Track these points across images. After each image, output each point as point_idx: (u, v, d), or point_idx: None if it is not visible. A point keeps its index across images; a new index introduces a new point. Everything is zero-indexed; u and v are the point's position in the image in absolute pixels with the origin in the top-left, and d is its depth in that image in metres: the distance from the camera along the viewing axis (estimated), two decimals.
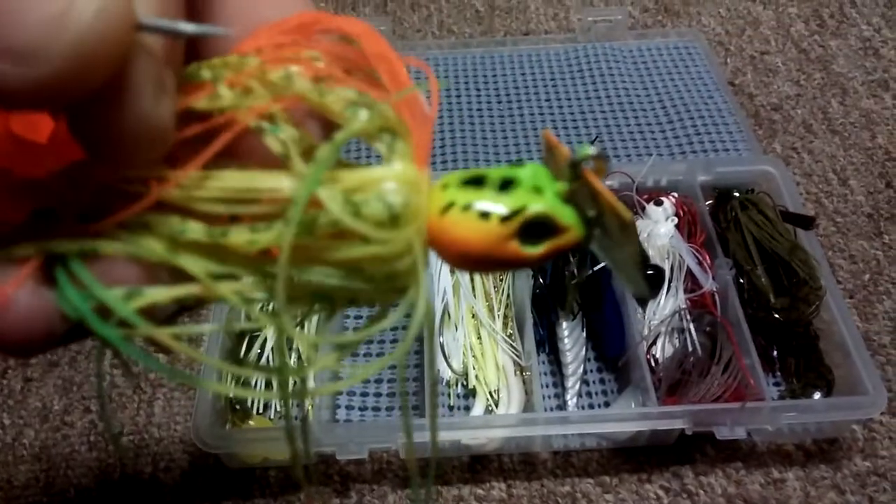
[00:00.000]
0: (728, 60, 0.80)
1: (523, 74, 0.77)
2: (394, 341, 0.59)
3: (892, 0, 0.86)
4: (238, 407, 0.51)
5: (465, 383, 0.56)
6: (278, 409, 0.53)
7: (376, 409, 0.55)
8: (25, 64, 0.13)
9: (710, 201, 0.64)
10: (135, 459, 0.53)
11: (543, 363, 0.58)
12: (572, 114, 0.73)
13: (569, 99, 0.74)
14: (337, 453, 0.50)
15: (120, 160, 0.16)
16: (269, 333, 0.55)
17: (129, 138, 0.16)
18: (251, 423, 0.52)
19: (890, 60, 0.80)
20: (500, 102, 0.74)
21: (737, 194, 0.63)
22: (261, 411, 0.52)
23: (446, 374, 0.56)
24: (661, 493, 0.52)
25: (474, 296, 0.57)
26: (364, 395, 0.56)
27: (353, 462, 0.53)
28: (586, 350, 0.57)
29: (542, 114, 0.73)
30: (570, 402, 0.55)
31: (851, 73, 0.78)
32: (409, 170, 0.18)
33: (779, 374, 0.57)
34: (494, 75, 0.77)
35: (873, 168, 0.70)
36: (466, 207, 0.18)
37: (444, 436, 0.50)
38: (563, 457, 0.53)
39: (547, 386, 0.57)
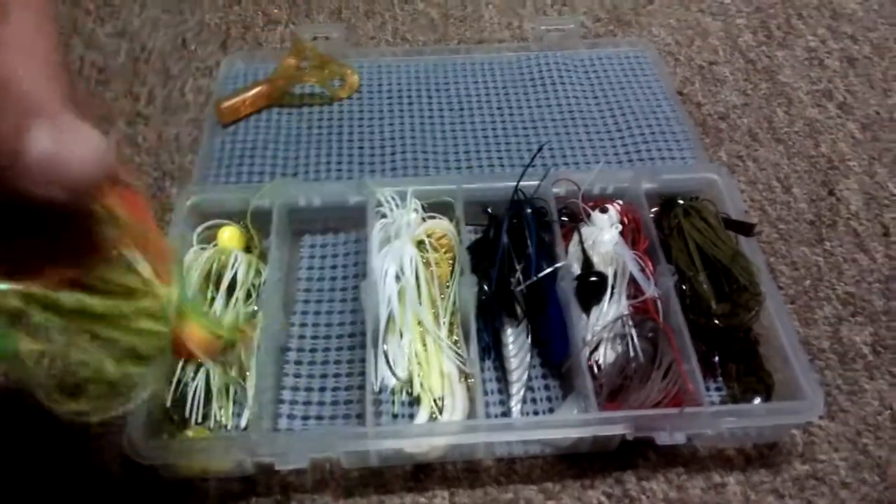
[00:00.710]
0: (677, 70, 0.82)
1: (475, 83, 0.77)
2: (339, 349, 0.58)
3: (837, 12, 0.88)
4: (175, 418, 0.51)
5: (409, 391, 0.56)
6: (217, 418, 0.52)
7: (319, 417, 0.55)
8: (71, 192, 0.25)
9: (655, 208, 0.64)
10: (68, 472, 0.52)
11: (489, 370, 0.58)
12: (523, 122, 0.73)
13: (520, 107, 0.75)
14: (277, 463, 0.49)
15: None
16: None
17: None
18: (189, 433, 0.51)
19: (834, 71, 0.82)
20: (451, 110, 0.74)
21: (681, 202, 0.64)
22: (199, 421, 0.52)
23: (391, 381, 0.55)
24: (603, 498, 0.52)
25: (420, 303, 0.57)
26: (307, 403, 0.55)
27: (294, 472, 0.52)
28: (531, 356, 0.57)
29: (493, 122, 0.73)
30: (514, 409, 0.55)
31: (797, 84, 0.80)
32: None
33: (720, 379, 0.58)
34: (447, 83, 0.77)
35: (816, 176, 0.72)
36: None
37: (387, 444, 0.50)
38: (507, 464, 0.53)
39: (492, 392, 0.57)
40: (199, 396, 0.52)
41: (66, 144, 0.25)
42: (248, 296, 0.58)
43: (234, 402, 0.54)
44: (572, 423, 0.51)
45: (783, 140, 0.75)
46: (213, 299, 0.56)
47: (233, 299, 0.57)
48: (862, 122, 0.77)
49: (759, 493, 0.53)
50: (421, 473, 0.53)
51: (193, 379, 0.52)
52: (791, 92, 0.79)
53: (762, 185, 0.71)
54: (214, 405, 0.52)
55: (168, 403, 0.51)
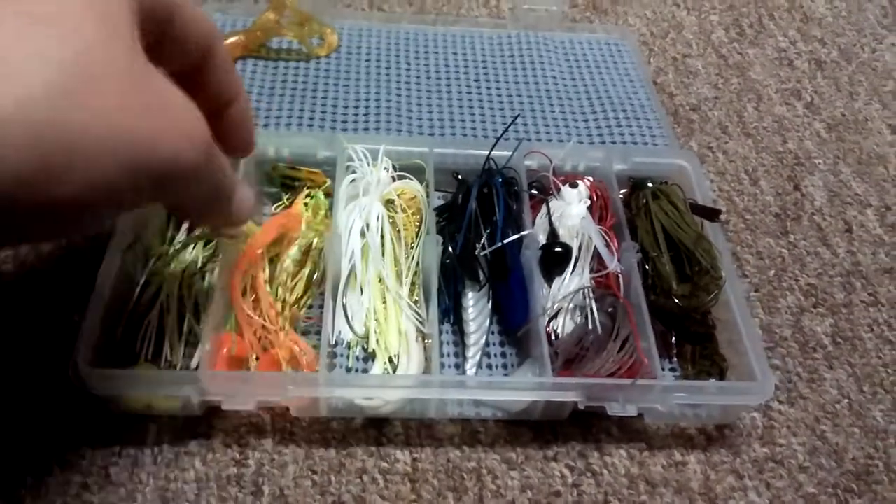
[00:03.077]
0: (651, 60, 0.83)
1: (454, 54, 0.77)
2: None
3: (808, 16, 0.91)
4: (126, 350, 0.50)
5: (365, 347, 0.55)
6: (169, 357, 0.51)
7: None
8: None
9: (624, 190, 0.65)
10: (10, 403, 0.51)
11: (447, 332, 0.58)
12: (499, 96, 0.73)
13: (497, 81, 0.75)
14: (224, 403, 0.48)
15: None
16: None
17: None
18: (138, 369, 0.50)
19: (803, 72, 0.84)
20: (429, 78, 0.74)
21: (650, 185, 0.64)
22: (149, 358, 0.51)
23: (347, 335, 0.55)
24: (566, 471, 0.52)
25: (383, 260, 0.57)
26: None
27: (240, 417, 0.51)
28: (490, 322, 0.57)
29: (469, 93, 0.73)
30: (469, 372, 0.55)
31: (766, 81, 0.82)
32: None
33: (675, 360, 0.59)
34: (426, 52, 0.76)
35: (783, 171, 0.73)
36: None
37: (339, 393, 0.50)
38: (471, 434, 0.53)
39: (448, 355, 0.57)
40: (152, 333, 0.51)
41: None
42: (209, 240, 0.57)
43: (187, 344, 0.53)
44: (526, 387, 0.51)
45: (752, 134, 0.76)
46: (171, 239, 0.55)
47: (191, 246, 0.55)
48: (828, 122, 0.78)
49: (718, 473, 0.53)
50: (382, 437, 0.52)
51: (147, 314, 0.51)
52: (761, 89, 0.81)
53: (730, 177, 0.72)
54: (167, 344, 0.51)
55: (118, 337, 0.50)
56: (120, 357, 0.50)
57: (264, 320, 0.52)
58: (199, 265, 0.54)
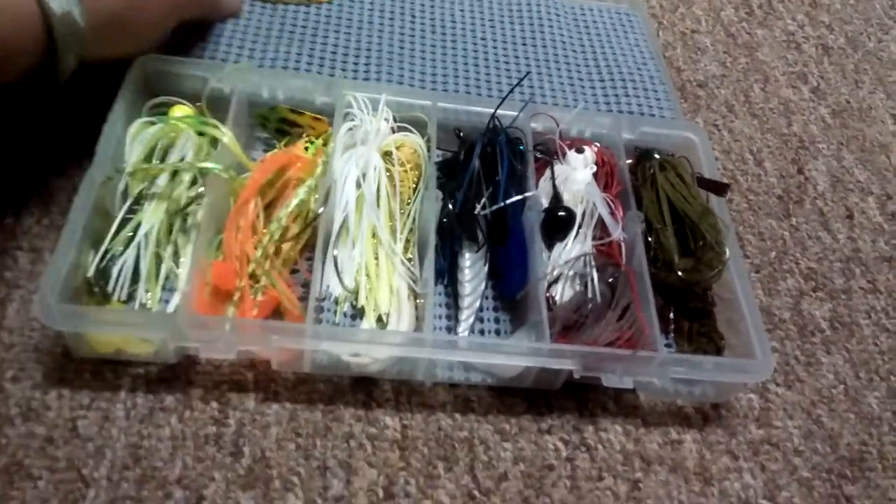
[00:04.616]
0: (660, 34, 0.81)
1: (462, 10, 0.74)
2: None
3: (817, 2, 0.89)
4: (96, 290, 0.46)
5: (354, 303, 0.52)
6: (143, 300, 0.48)
7: None
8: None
9: (630, 160, 0.63)
10: None
11: (440, 294, 0.55)
12: (506, 55, 0.70)
13: (504, 42, 0.72)
14: (201, 350, 0.45)
15: None
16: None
17: None
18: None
19: (810, 56, 0.82)
20: (434, 33, 0.70)
21: (657, 156, 0.62)
22: (123, 300, 0.47)
23: (336, 290, 0.52)
24: (560, 445, 0.50)
25: (378, 213, 0.54)
26: None
27: (219, 367, 0.48)
28: (486, 286, 0.55)
29: (475, 51, 0.70)
30: (461, 335, 0.53)
31: (774, 63, 0.80)
32: None
33: (672, 336, 0.57)
34: (433, 5, 0.73)
35: (787, 153, 0.71)
36: None
37: (325, 346, 0.47)
38: (464, 402, 0.51)
39: (440, 317, 0.54)
40: (127, 273, 0.47)
41: None
42: (194, 181, 0.53)
43: (164, 288, 0.49)
44: (522, 351, 0.49)
45: (758, 115, 0.74)
46: (154, 176, 0.51)
47: (177, 180, 0.52)
48: (833, 108, 0.77)
49: (714, 453, 0.52)
50: (372, 402, 0.50)
51: (122, 253, 0.48)
52: (768, 70, 0.79)
53: (735, 156, 0.70)
54: (142, 285, 0.48)
55: (90, 273, 0.46)
56: (91, 296, 0.46)
57: (257, 249, 0.49)
58: (182, 204, 0.51)
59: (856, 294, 0.63)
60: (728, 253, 0.56)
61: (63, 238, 0.45)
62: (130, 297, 0.48)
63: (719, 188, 0.59)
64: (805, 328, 0.60)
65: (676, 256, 0.57)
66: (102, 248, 0.47)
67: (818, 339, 0.59)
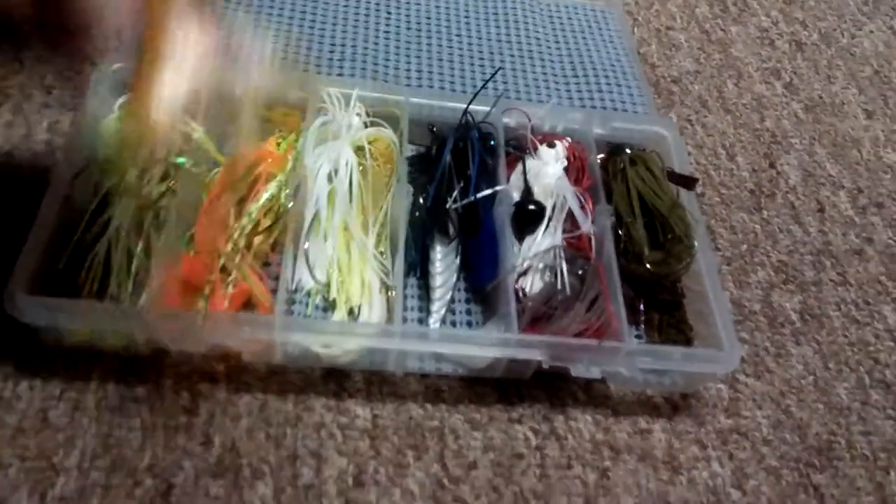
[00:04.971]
0: (635, 30, 0.81)
1: (437, 7, 0.74)
2: None
3: None
4: (66, 283, 0.46)
5: (325, 296, 0.53)
6: (114, 294, 0.48)
7: None
8: None
9: (602, 155, 0.63)
10: None
11: (412, 287, 0.56)
12: (480, 52, 0.71)
13: (479, 38, 0.72)
14: (171, 344, 0.46)
15: None
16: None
17: None
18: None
19: (783, 52, 0.83)
20: (409, 28, 0.71)
21: (628, 151, 0.63)
22: (94, 293, 0.47)
23: (307, 283, 0.52)
24: (530, 434, 0.51)
25: (350, 207, 0.55)
26: None
27: (190, 359, 0.49)
28: (457, 278, 0.55)
29: (450, 47, 0.70)
30: (432, 326, 0.53)
31: (747, 59, 0.81)
32: None
33: (642, 327, 0.58)
34: (408, 2, 0.74)
35: (759, 148, 0.72)
36: None
37: (296, 338, 0.47)
38: (435, 392, 0.51)
39: (412, 309, 0.55)
40: (98, 266, 0.48)
41: None
42: (166, 176, 0.54)
43: (136, 282, 0.50)
44: (490, 342, 0.49)
45: (731, 110, 0.75)
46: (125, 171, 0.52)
47: (148, 175, 0.52)
48: (806, 103, 0.78)
49: (683, 442, 0.52)
50: (343, 392, 0.50)
51: (94, 246, 0.48)
52: (742, 66, 0.80)
53: (708, 151, 0.71)
54: (113, 279, 0.48)
55: (61, 265, 0.46)
56: (61, 290, 0.47)
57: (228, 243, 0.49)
58: (154, 198, 0.51)
59: (826, 286, 0.64)
60: (697, 245, 0.56)
61: (34, 232, 0.46)
62: (101, 290, 0.48)
63: (689, 182, 0.60)
64: (775, 320, 0.61)
65: (646, 249, 0.57)
66: (73, 242, 0.48)
67: (788, 330, 0.60)
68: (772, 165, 0.71)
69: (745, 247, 0.65)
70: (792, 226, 0.67)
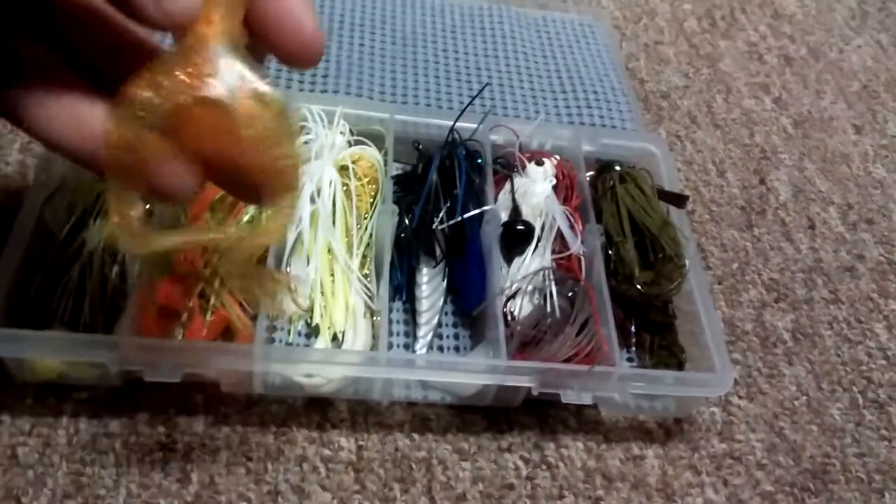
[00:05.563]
0: (623, 45, 0.81)
1: (423, 22, 0.73)
2: None
3: (779, 12, 0.90)
4: (38, 312, 0.44)
5: (308, 321, 0.51)
6: (87, 321, 0.46)
7: None
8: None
9: (591, 172, 0.62)
10: None
11: (397, 311, 0.54)
12: (467, 67, 0.70)
13: (466, 53, 0.71)
14: (146, 374, 0.44)
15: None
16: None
17: None
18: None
19: (772, 67, 0.83)
20: (394, 44, 0.70)
21: (618, 168, 0.62)
22: (66, 321, 0.45)
23: (289, 307, 0.51)
24: (520, 463, 0.49)
25: (333, 229, 0.53)
26: None
27: (165, 389, 0.47)
28: (444, 301, 0.54)
29: (436, 62, 0.69)
30: (419, 352, 0.52)
31: (736, 74, 0.80)
32: None
33: (633, 350, 0.56)
34: (393, 17, 0.73)
35: (749, 164, 0.71)
36: None
37: (276, 368, 0.46)
38: (422, 421, 0.50)
39: (398, 334, 0.53)
40: (70, 293, 0.46)
41: None
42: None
43: (111, 310, 0.48)
44: (478, 369, 0.48)
45: (720, 126, 0.74)
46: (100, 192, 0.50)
47: None
48: (795, 118, 0.78)
49: (676, 468, 0.51)
50: (326, 423, 0.48)
51: (67, 272, 0.46)
52: (731, 81, 0.80)
53: (698, 167, 0.70)
54: (87, 306, 0.46)
55: (31, 293, 0.45)
56: (32, 319, 0.45)
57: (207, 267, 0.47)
58: None
59: (818, 304, 0.63)
60: (688, 265, 0.55)
61: (3, 258, 0.44)
62: (75, 318, 0.46)
63: (679, 200, 0.59)
64: (767, 339, 0.60)
65: (637, 269, 0.56)
66: (44, 268, 0.46)
67: (780, 350, 0.59)
68: (762, 181, 0.70)
69: (736, 265, 0.64)
70: (783, 243, 0.66)
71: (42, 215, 0.47)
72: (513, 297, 0.53)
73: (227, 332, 0.48)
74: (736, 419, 0.55)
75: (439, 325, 0.54)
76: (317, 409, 0.49)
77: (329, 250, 0.53)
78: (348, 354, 0.48)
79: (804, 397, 0.57)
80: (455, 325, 0.55)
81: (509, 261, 0.55)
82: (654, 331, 0.56)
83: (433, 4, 0.75)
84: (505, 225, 0.55)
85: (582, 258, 0.56)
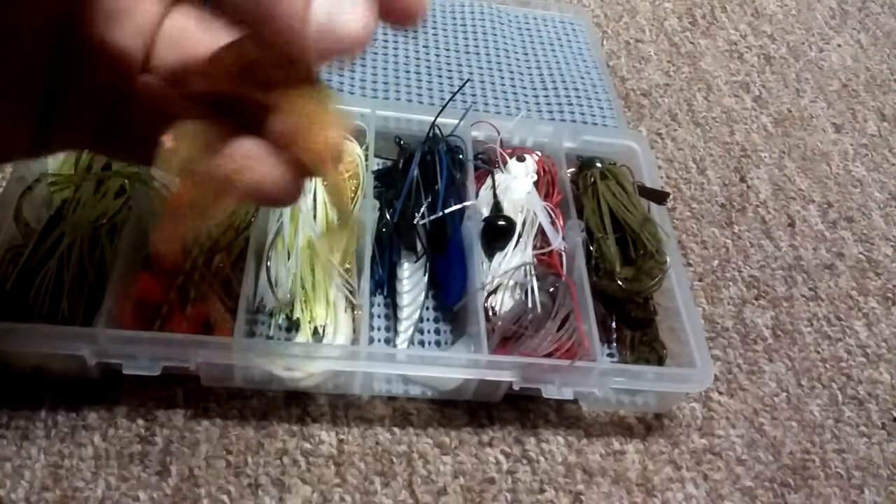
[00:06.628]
0: (604, 43, 0.81)
1: None
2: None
3: (759, 11, 0.91)
4: (15, 305, 0.44)
5: (289, 315, 0.51)
6: (66, 314, 0.46)
7: None
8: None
9: (572, 169, 0.63)
10: None
11: (378, 305, 0.54)
12: (448, 64, 0.70)
13: (447, 49, 0.71)
14: (124, 367, 0.43)
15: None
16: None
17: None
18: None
19: (752, 66, 0.83)
20: (375, 40, 0.70)
21: (599, 164, 0.62)
22: (44, 314, 0.45)
23: (270, 302, 0.51)
24: (501, 458, 0.49)
25: (315, 223, 0.53)
26: None
27: (144, 382, 0.46)
28: (425, 296, 0.54)
29: (417, 58, 0.69)
30: (399, 347, 0.52)
31: (717, 72, 0.81)
32: None
33: (614, 345, 0.57)
34: None
35: (729, 162, 0.72)
36: None
37: (256, 362, 0.45)
38: (402, 415, 0.50)
39: (379, 329, 0.53)
40: (48, 286, 0.45)
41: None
42: (122, 190, 0.51)
43: (89, 303, 0.47)
44: (459, 363, 0.48)
45: (701, 124, 0.75)
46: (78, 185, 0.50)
47: (103, 189, 0.50)
48: (775, 117, 0.78)
49: (657, 464, 0.51)
50: (307, 416, 0.48)
51: (45, 264, 0.46)
52: (711, 79, 0.80)
53: (678, 164, 0.71)
54: (64, 299, 0.46)
55: (8, 286, 0.44)
56: (10, 311, 0.44)
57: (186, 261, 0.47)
58: (108, 217, 0.49)
59: (798, 302, 0.63)
60: (668, 261, 0.56)
61: None
62: (52, 311, 0.46)
63: (660, 197, 0.59)
64: (748, 336, 0.60)
65: (618, 265, 0.56)
66: (22, 260, 0.45)
67: (760, 346, 0.60)
68: (742, 179, 0.71)
69: (716, 262, 0.64)
70: (763, 240, 0.67)
71: (20, 208, 0.47)
72: (494, 292, 0.53)
73: (206, 326, 0.48)
74: (716, 415, 0.55)
75: (420, 319, 0.54)
76: (297, 403, 0.49)
77: (309, 244, 0.52)
78: (329, 348, 0.47)
79: (784, 393, 0.57)
80: (436, 320, 0.55)
81: (490, 256, 0.55)
82: (634, 327, 0.57)
83: None
84: (486, 220, 0.56)
85: (563, 254, 0.56)
